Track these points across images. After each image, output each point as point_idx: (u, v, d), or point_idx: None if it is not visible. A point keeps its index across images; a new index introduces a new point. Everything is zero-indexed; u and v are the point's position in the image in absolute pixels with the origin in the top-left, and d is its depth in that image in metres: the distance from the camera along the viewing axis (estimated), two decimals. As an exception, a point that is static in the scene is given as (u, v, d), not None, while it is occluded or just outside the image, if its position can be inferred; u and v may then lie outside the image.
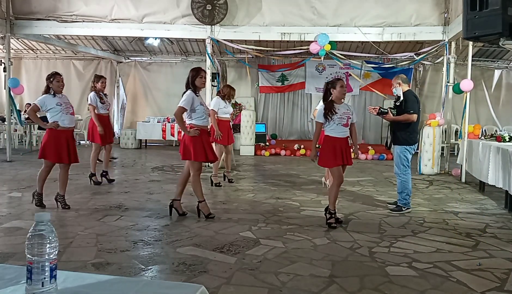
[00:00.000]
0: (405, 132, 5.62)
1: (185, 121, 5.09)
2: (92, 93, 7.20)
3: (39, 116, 5.44)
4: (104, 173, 7.37)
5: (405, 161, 5.65)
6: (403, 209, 5.62)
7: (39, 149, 5.49)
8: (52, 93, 5.36)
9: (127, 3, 9.60)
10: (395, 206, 5.74)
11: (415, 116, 5.56)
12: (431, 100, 13.32)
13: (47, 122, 5.35)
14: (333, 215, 4.89)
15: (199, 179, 5.13)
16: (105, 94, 7.40)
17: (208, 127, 5.29)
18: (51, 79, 5.36)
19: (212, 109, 7.16)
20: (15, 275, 1.35)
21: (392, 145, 5.84)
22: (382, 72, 12.93)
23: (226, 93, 7.47)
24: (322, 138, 5.23)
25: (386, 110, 5.69)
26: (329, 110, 4.89)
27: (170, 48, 13.86)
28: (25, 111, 9.90)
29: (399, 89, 5.70)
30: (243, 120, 11.24)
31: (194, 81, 5.00)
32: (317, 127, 5.11)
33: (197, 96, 5.04)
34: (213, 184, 7.30)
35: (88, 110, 7.46)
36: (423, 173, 8.86)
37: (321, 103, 5.19)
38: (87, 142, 13.30)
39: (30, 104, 6.72)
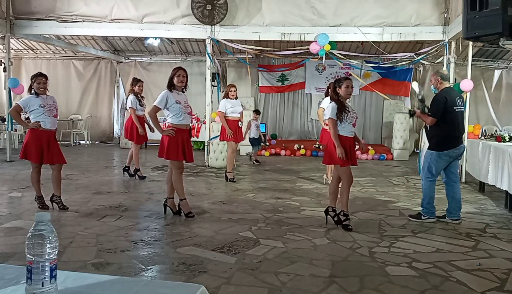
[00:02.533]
0: (434, 135, 5.19)
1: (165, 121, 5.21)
2: (132, 97, 7.56)
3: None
4: (126, 168, 7.83)
5: (429, 167, 5.18)
6: (422, 217, 5.18)
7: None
8: (34, 93, 5.29)
9: (127, 3, 9.60)
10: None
11: (430, 119, 5.14)
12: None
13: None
14: (348, 217, 4.84)
15: (180, 177, 5.19)
16: (142, 96, 7.78)
17: (190, 126, 5.31)
18: (33, 79, 5.31)
19: (219, 111, 7.55)
20: (15, 275, 1.35)
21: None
22: (382, 72, 12.94)
23: (224, 91, 7.78)
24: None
25: (414, 111, 5.48)
26: (343, 109, 4.80)
27: (170, 48, 13.87)
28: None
29: (414, 86, 5.64)
30: (243, 120, 11.23)
31: (172, 80, 5.09)
32: (334, 125, 4.80)
33: (177, 94, 5.08)
34: (228, 180, 7.58)
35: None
36: (423, 173, 8.85)
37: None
38: (87, 142, 13.32)
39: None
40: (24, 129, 12.41)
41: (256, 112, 10.58)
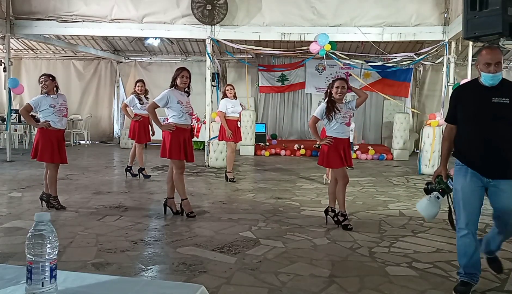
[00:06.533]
0: None
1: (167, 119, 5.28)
2: (131, 96, 7.82)
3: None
4: (128, 168, 7.89)
5: None
6: None
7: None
8: (44, 93, 5.32)
9: (127, 3, 9.60)
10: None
11: None
12: (431, 100, 13.32)
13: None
14: (346, 217, 4.85)
15: (181, 177, 5.19)
16: (146, 97, 7.91)
17: (192, 126, 5.33)
18: (39, 80, 5.37)
19: (219, 111, 7.56)
20: (15, 275, 1.35)
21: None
22: (382, 72, 12.92)
23: (223, 91, 7.83)
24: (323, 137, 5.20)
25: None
26: (332, 108, 4.81)
27: (170, 48, 13.86)
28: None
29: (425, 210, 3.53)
30: (243, 120, 11.23)
31: (175, 80, 5.11)
32: (312, 121, 4.98)
33: (180, 94, 5.10)
34: (228, 180, 7.59)
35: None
36: (423, 173, 8.86)
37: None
38: (87, 142, 13.32)
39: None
40: (25, 129, 12.48)
41: None
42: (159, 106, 5.08)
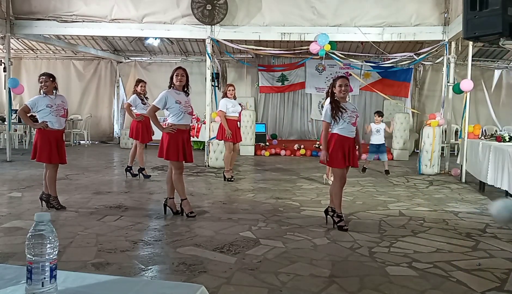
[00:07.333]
0: None
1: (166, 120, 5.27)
2: (134, 96, 7.81)
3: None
4: (128, 168, 7.92)
5: None
6: None
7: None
8: (43, 93, 5.30)
9: (127, 3, 9.60)
10: None
11: None
12: (431, 100, 13.33)
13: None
14: (342, 218, 4.83)
15: (180, 177, 5.19)
16: (146, 97, 7.95)
17: (189, 126, 5.29)
18: (39, 79, 5.35)
19: (220, 110, 7.56)
20: (15, 275, 1.35)
21: None
22: (382, 72, 12.93)
23: (224, 91, 7.84)
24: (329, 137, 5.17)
25: None
26: (337, 109, 4.76)
27: (170, 48, 13.87)
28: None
29: None
30: (243, 120, 11.24)
31: (172, 79, 5.14)
32: (325, 128, 4.86)
33: (177, 93, 5.09)
34: (226, 179, 7.61)
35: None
36: (423, 173, 8.86)
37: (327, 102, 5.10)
38: (87, 142, 13.33)
39: None
40: (25, 129, 12.48)
41: (378, 114, 9.12)
42: (159, 109, 5.07)
